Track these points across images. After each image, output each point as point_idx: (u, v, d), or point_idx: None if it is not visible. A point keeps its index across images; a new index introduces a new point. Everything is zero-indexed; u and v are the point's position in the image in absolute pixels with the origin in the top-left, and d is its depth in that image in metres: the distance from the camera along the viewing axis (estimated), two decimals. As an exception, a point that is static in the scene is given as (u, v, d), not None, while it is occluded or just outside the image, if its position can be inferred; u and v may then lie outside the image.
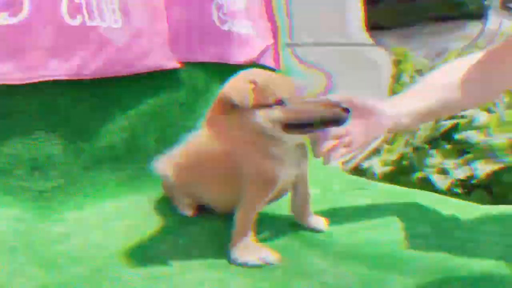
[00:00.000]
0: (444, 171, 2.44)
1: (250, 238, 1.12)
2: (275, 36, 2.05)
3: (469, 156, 2.55)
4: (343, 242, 1.21)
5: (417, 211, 1.45)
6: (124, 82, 1.47)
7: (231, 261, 1.08)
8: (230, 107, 0.99)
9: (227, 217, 1.33)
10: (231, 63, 1.77)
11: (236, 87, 1.00)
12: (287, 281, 1.01)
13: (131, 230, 1.26)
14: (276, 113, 1.01)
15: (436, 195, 1.69)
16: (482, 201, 2.34)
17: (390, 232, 1.26)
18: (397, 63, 4.86)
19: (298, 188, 1.28)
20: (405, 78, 4.20)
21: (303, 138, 1.13)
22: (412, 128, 1.29)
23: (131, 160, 1.54)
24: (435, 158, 2.47)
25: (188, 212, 1.34)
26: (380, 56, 2.86)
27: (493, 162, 2.37)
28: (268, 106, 1.01)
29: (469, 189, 2.50)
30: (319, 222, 1.29)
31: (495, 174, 2.34)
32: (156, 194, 1.53)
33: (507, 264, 1.08)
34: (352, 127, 1.13)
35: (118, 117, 1.47)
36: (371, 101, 1.19)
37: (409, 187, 2.63)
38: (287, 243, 1.20)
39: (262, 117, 1.01)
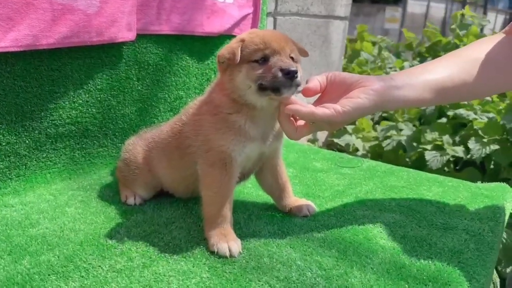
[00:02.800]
0: (439, 148, 2.36)
1: (226, 225, 1.04)
2: (256, 3, 1.91)
3: (463, 133, 2.48)
4: (316, 229, 1.13)
5: (397, 195, 1.37)
6: (76, 55, 1.34)
7: (209, 246, 1.01)
8: (224, 65, 1.01)
9: (190, 203, 1.25)
10: (197, 34, 1.65)
11: (228, 45, 1.01)
12: (247, 276, 0.92)
13: (86, 217, 1.15)
14: (255, 69, 0.97)
15: (422, 172, 1.60)
16: (474, 180, 2.29)
17: (363, 219, 1.19)
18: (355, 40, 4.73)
19: (268, 170, 1.19)
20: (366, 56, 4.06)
21: (273, 108, 1.03)
22: (416, 104, 1.08)
23: (82, 140, 1.43)
24: (430, 135, 2.38)
25: (135, 201, 1.24)
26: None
27: (488, 142, 2.29)
28: (255, 62, 0.98)
29: (461, 166, 2.44)
30: (302, 207, 1.20)
31: (488, 153, 2.27)
32: (108, 176, 1.44)
33: (465, 258, 1.02)
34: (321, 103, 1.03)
35: (71, 92, 1.35)
36: (353, 75, 1.05)
37: (399, 164, 2.58)
38: (259, 230, 1.12)
39: (245, 72, 0.98)
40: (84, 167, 1.45)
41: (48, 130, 1.34)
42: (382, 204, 1.29)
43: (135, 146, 1.27)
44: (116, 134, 1.52)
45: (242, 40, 1.00)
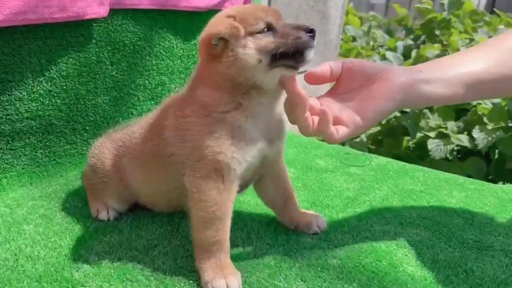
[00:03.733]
0: (442, 136, 2.18)
1: (223, 254, 0.83)
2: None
3: (466, 118, 2.30)
4: (330, 252, 0.93)
5: (416, 202, 1.18)
6: (34, 35, 1.09)
7: (202, 283, 0.81)
8: (219, 48, 0.80)
9: (176, 218, 1.04)
10: (181, 9, 1.40)
11: (218, 23, 0.81)
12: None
13: (48, 239, 0.94)
14: (266, 39, 0.79)
15: (439, 172, 1.42)
16: (479, 170, 2.13)
17: (384, 238, 1.00)
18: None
19: (269, 178, 0.99)
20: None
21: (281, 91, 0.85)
22: (446, 102, 0.91)
23: (45, 137, 1.19)
24: (433, 121, 2.20)
25: (108, 215, 1.02)
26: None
27: (493, 130, 2.12)
28: (258, 33, 0.80)
29: (464, 155, 2.27)
30: (311, 223, 1.00)
31: (494, 143, 2.10)
32: (77, 180, 1.21)
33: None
34: (342, 101, 0.85)
35: (29, 80, 1.11)
36: (374, 65, 0.88)
37: (400, 152, 2.41)
38: (261, 254, 0.92)
39: (253, 45, 0.78)
40: (49, 169, 1.21)
41: (2, 127, 1.10)
42: (402, 216, 1.10)
43: (102, 149, 1.03)
44: (87, 128, 1.28)
45: (231, 16, 0.81)
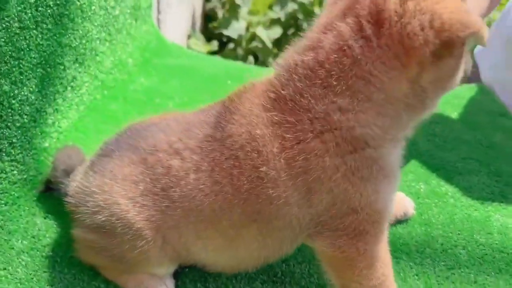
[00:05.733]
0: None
1: None
2: None
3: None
4: (451, 245, 0.82)
5: (437, 138, 1.11)
6: None
7: None
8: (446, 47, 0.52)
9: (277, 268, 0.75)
10: None
11: (466, 14, 0.52)
12: None
13: None
14: None
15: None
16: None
17: (468, 201, 0.90)
18: None
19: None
20: None
21: None
22: None
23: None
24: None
25: None
26: None
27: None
28: None
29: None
30: (406, 205, 0.84)
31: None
32: (39, 236, 0.77)
33: None
34: None
35: None
36: None
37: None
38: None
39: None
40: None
41: None
42: (454, 163, 1.00)
43: (113, 197, 0.62)
44: (13, 141, 0.78)
45: None
